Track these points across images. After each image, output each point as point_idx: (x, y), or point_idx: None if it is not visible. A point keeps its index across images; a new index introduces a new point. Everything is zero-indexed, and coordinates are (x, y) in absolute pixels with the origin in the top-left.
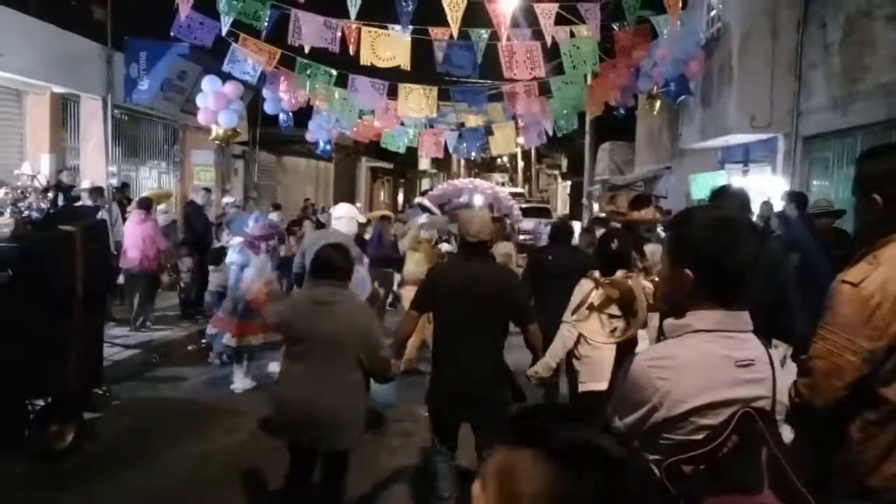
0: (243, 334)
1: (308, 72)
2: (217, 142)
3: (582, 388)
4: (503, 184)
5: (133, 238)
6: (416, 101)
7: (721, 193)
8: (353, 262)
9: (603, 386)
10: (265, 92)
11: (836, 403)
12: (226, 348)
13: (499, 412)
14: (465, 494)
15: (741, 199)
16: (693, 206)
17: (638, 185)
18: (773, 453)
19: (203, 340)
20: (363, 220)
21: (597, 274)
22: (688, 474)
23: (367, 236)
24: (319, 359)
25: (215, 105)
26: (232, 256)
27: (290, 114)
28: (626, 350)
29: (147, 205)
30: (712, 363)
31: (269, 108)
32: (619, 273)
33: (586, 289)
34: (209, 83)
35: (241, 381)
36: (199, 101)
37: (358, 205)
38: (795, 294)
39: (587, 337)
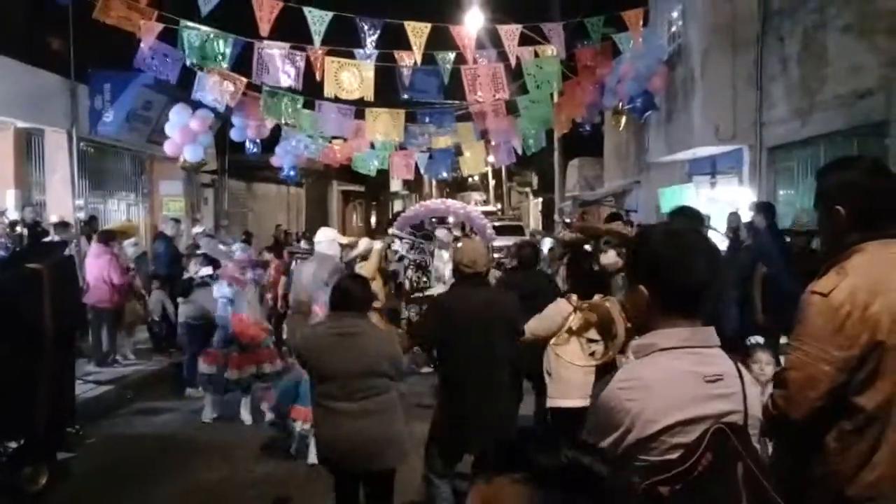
0: (242, 366)
1: (275, 98)
2: (185, 169)
3: (550, 403)
4: (484, 201)
5: (93, 272)
6: (384, 124)
7: (676, 213)
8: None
9: (571, 403)
10: (233, 118)
11: (812, 414)
12: (203, 377)
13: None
14: None
15: (693, 216)
16: (650, 224)
17: (608, 199)
18: (749, 468)
19: (184, 374)
20: (344, 241)
21: (574, 298)
22: (665, 496)
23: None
24: (353, 388)
25: (181, 139)
26: (220, 290)
27: (258, 140)
28: (605, 373)
29: (106, 238)
30: (681, 380)
31: (235, 135)
32: (597, 296)
33: (564, 311)
34: (178, 113)
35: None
36: (168, 129)
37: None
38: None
39: (565, 359)
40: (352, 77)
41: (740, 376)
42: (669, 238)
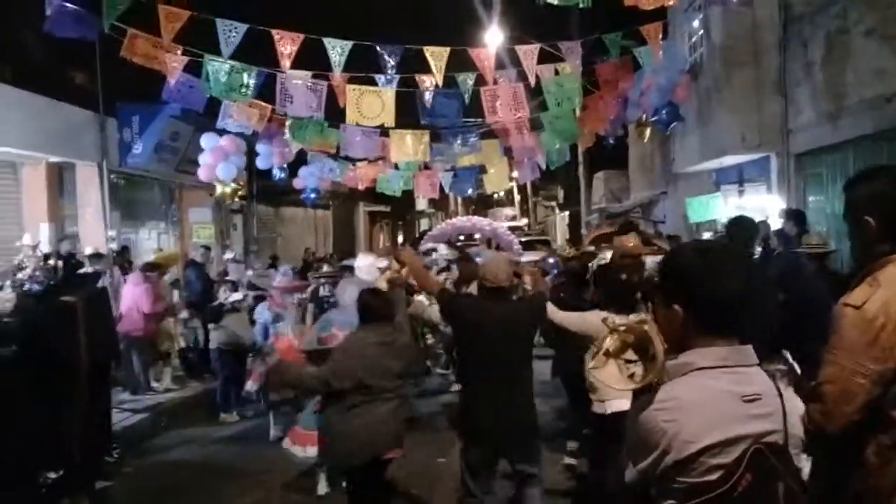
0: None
1: (300, 123)
2: (221, 198)
3: (607, 408)
4: (514, 217)
5: (127, 301)
6: (409, 145)
7: (732, 223)
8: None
9: (615, 408)
10: (258, 146)
11: (849, 428)
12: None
13: (531, 442)
14: None
15: (749, 227)
16: (681, 241)
17: (635, 211)
18: (791, 488)
19: (218, 399)
20: (383, 265)
21: (612, 318)
22: None
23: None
24: (385, 390)
25: (213, 159)
26: (262, 316)
27: (285, 166)
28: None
29: (148, 269)
30: (718, 400)
31: (261, 163)
32: (633, 316)
33: (598, 324)
34: (207, 138)
35: (274, 430)
36: (201, 158)
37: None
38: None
39: (603, 382)
40: (373, 104)
41: (780, 395)
42: (700, 255)
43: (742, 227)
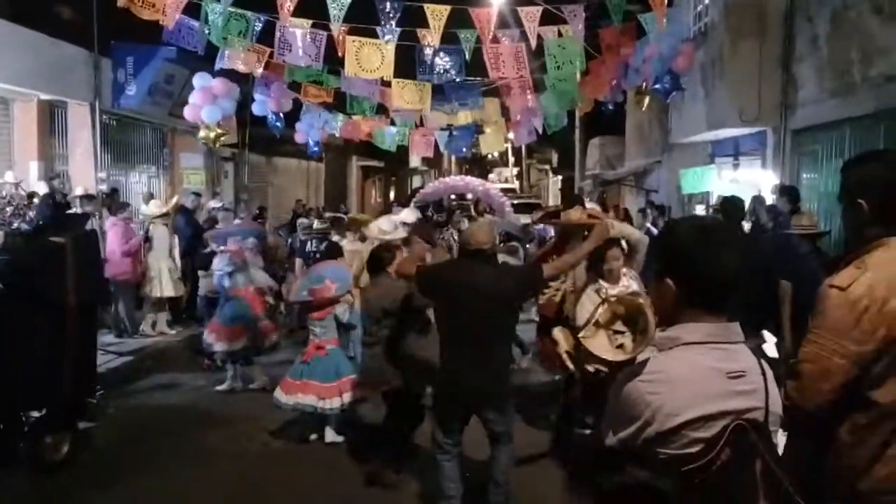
0: (232, 339)
1: (299, 69)
2: (204, 143)
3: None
4: (516, 176)
5: (110, 245)
6: (411, 93)
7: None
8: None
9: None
10: (255, 93)
11: (825, 407)
12: (219, 353)
13: (504, 401)
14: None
15: (742, 207)
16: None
17: (629, 179)
18: (768, 465)
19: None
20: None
21: (605, 288)
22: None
23: None
24: None
25: (201, 100)
26: (219, 263)
27: (281, 115)
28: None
29: (118, 209)
30: (703, 376)
31: (257, 109)
32: (621, 287)
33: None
34: (200, 77)
35: (229, 382)
36: (190, 98)
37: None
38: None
39: (592, 352)
40: (372, 56)
41: (763, 373)
42: (698, 232)
43: (736, 206)
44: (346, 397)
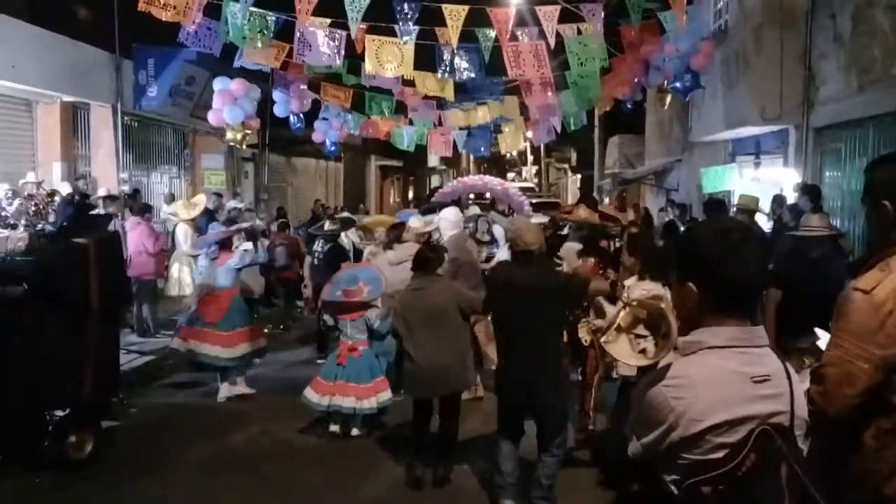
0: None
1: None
2: (232, 144)
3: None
4: (535, 175)
5: (133, 245)
6: (433, 84)
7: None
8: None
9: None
10: (275, 94)
11: (849, 411)
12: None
13: (560, 401)
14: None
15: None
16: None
17: (648, 178)
18: (794, 470)
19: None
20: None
21: (626, 293)
22: (707, 495)
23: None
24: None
25: (221, 103)
26: (200, 268)
27: (301, 115)
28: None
29: (143, 210)
30: (727, 380)
31: (278, 110)
32: (642, 291)
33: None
34: (219, 82)
35: (223, 390)
36: (213, 103)
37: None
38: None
39: (614, 356)
40: (392, 55)
41: (788, 377)
42: (719, 235)
43: (720, 205)
44: (382, 396)
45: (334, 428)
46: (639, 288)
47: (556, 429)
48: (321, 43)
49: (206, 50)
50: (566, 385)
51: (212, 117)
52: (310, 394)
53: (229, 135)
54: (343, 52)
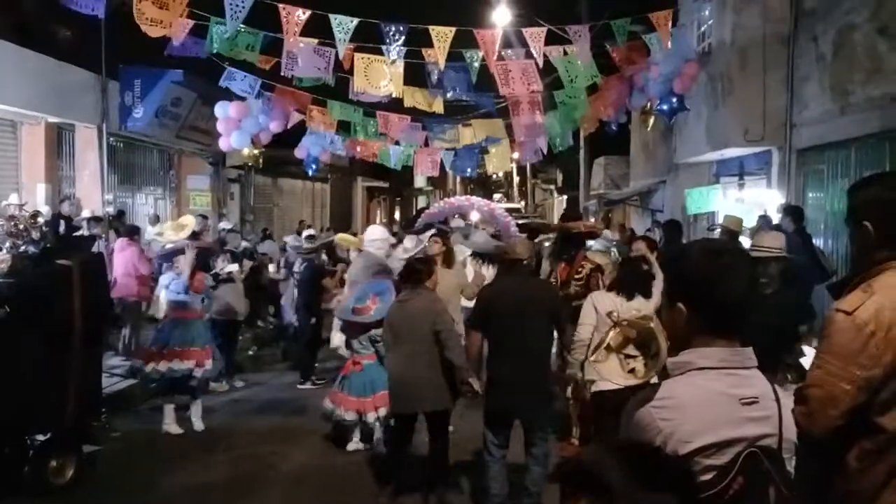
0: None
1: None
2: (244, 167)
3: (594, 388)
4: (521, 196)
5: (120, 267)
6: (423, 97)
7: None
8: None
9: (609, 385)
10: (260, 116)
11: (832, 432)
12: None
13: (546, 406)
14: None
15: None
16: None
17: (633, 199)
18: (781, 492)
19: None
20: (393, 241)
21: (617, 312)
22: None
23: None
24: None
25: (225, 130)
26: (166, 280)
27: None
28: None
29: (131, 232)
30: (715, 402)
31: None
32: (633, 312)
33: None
34: (220, 107)
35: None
36: (219, 129)
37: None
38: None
39: (603, 376)
40: (381, 73)
41: (777, 399)
42: (707, 257)
43: (676, 228)
44: (382, 412)
45: (352, 446)
46: (622, 306)
47: (542, 431)
48: (309, 57)
49: (193, 55)
50: (552, 389)
51: (223, 144)
52: (326, 402)
53: (246, 153)
54: (332, 66)
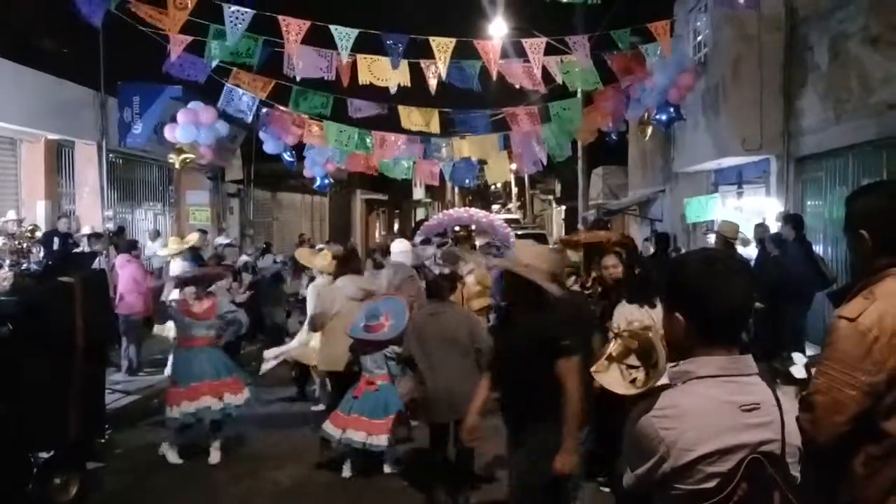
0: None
1: (304, 97)
2: (171, 161)
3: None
4: (519, 207)
5: (124, 283)
6: (419, 116)
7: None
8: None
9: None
10: (262, 134)
11: (838, 438)
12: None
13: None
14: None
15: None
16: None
17: (632, 208)
18: (787, 498)
19: None
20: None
21: (617, 324)
22: None
23: None
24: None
25: (181, 120)
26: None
27: (293, 151)
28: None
29: (129, 247)
30: (717, 409)
31: (269, 147)
32: (636, 324)
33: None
34: (192, 104)
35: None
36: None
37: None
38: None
39: (605, 386)
40: (385, 68)
41: (778, 405)
42: (704, 266)
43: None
44: (397, 433)
45: (346, 472)
46: (626, 316)
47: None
48: (311, 58)
49: (191, 79)
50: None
51: (167, 131)
52: (327, 426)
53: (171, 156)
54: (334, 67)
